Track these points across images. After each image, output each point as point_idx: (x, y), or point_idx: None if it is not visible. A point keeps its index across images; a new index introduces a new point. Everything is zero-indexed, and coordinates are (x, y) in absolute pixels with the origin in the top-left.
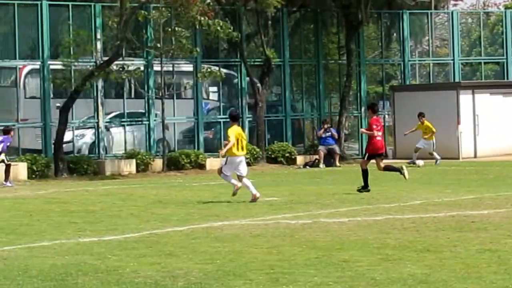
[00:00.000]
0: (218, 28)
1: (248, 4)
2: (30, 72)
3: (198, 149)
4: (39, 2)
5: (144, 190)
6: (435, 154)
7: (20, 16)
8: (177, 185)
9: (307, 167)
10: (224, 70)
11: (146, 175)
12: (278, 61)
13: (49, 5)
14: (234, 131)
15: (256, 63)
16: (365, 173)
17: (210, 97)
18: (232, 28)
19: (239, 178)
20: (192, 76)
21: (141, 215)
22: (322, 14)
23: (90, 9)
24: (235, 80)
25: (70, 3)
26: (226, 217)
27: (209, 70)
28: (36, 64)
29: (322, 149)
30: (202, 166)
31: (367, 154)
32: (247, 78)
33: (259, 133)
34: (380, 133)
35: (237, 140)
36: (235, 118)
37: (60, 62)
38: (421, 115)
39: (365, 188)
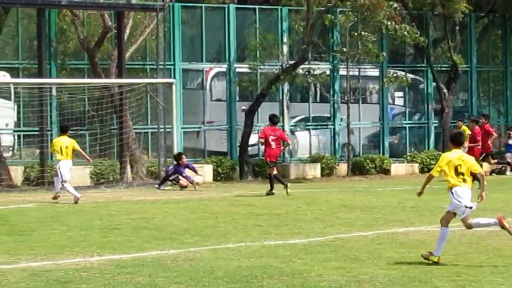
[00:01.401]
0: (405, 33)
1: (435, 9)
2: (216, 75)
3: (383, 154)
4: (226, 6)
5: (329, 194)
6: None
7: (208, 19)
8: (362, 190)
9: (493, 174)
10: (410, 75)
11: (330, 179)
12: (465, 67)
13: (236, 8)
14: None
15: (442, 68)
16: None
17: (396, 102)
18: (419, 33)
19: None
20: (378, 81)
21: (326, 219)
22: (511, 20)
23: (277, 13)
24: (421, 86)
25: (257, 7)
26: (411, 223)
27: (395, 75)
28: (223, 67)
29: (509, 156)
30: (387, 171)
31: None
32: (433, 84)
33: (445, 139)
34: None
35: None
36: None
37: (246, 65)
38: None
39: None
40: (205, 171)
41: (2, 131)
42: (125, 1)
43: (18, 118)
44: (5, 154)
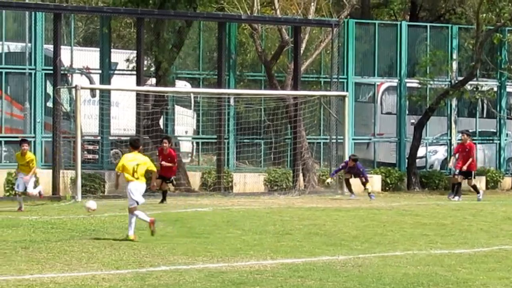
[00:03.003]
0: None
1: None
2: (387, 89)
3: None
4: (398, 23)
5: (494, 207)
6: None
7: (380, 35)
8: None
9: None
10: None
11: (495, 192)
12: None
13: (408, 25)
14: None
15: None
16: None
17: None
18: None
19: None
20: None
21: (491, 231)
22: None
23: (447, 31)
24: None
25: (428, 24)
26: None
27: None
28: (394, 82)
29: None
30: None
31: None
32: None
33: None
34: None
35: None
36: None
37: (416, 80)
38: None
39: None
40: (374, 181)
41: (181, 138)
42: (302, 17)
43: (197, 126)
44: (184, 160)
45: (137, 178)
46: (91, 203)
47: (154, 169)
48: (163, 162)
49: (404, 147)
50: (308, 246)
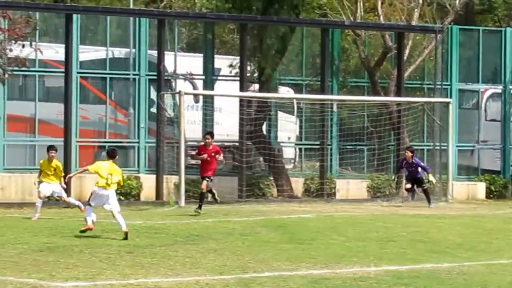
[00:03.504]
0: None
1: None
2: (491, 96)
3: None
4: (503, 29)
5: None
6: None
7: (484, 41)
8: None
9: None
10: None
11: None
12: None
13: None
14: None
15: None
16: None
17: None
18: None
19: None
20: None
21: None
22: None
23: None
24: None
25: None
26: None
27: None
28: (498, 88)
29: None
30: None
31: None
32: None
33: None
34: None
35: None
36: None
37: None
38: None
39: None
40: (478, 189)
41: (284, 144)
42: (405, 23)
43: (300, 132)
44: (286, 166)
45: (109, 186)
46: None
47: (122, 183)
48: (205, 155)
49: (508, 154)
50: (412, 253)
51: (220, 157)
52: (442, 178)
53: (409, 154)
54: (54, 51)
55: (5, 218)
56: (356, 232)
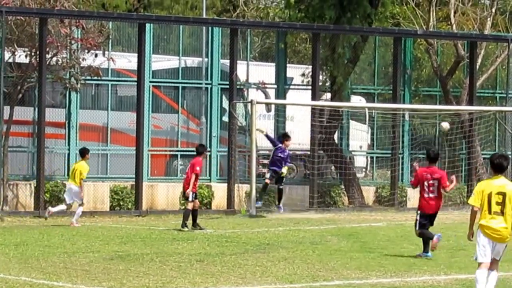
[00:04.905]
0: None
1: None
2: None
3: None
4: None
5: None
6: None
7: None
8: None
9: None
10: None
11: None
12: None
13: None
14: None
15: None
16: None
17: None
18: None
19: None
20: None
21: None
22: None
23: None
24: None
25: None
26: None
27: None
28: None
29: None
30: None
31: None
32: None
33: None
34: None
35: None
36: None
37: None
38: None
39: None
40: None
41: (356, 153)
42: (478, 32)
43: (372, 141)
44: (358, 175)
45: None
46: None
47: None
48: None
49: None
50: None
51: None
52: None
53: None
54: (126, 60)
55: (76, 227)
56: None
